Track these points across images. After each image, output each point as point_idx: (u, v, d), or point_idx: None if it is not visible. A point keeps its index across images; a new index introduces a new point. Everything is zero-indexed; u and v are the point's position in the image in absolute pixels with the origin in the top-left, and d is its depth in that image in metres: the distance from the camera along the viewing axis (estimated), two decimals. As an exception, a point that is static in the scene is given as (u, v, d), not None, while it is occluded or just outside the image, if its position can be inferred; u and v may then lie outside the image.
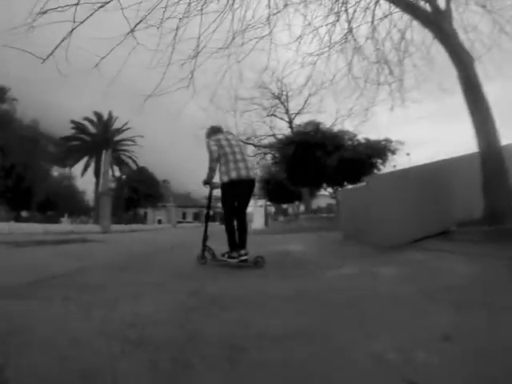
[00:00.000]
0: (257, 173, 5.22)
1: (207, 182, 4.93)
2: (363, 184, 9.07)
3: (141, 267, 4.70)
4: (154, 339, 1.81)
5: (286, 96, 29.57)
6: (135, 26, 6.55)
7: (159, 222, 50.63)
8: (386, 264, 4.52)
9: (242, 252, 4.70)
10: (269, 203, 36.74)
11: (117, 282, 3.45)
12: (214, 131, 5.14)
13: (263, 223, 24.49)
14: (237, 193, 4.78)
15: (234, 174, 4.62)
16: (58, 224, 23.29)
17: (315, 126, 17.78)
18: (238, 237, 4.81)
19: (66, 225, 22.83)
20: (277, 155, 21.08)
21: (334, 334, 1.91)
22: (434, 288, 3.02)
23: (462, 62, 6.94)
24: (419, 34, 9.44)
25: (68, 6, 5.32)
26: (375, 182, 6.90)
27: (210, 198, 5.44)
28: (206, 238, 5.03)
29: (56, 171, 44.17)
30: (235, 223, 4.85)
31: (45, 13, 5.22)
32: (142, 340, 1.78)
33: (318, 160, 16.42)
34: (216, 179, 4.94)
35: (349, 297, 2.80)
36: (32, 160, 29.93)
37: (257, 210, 26.14)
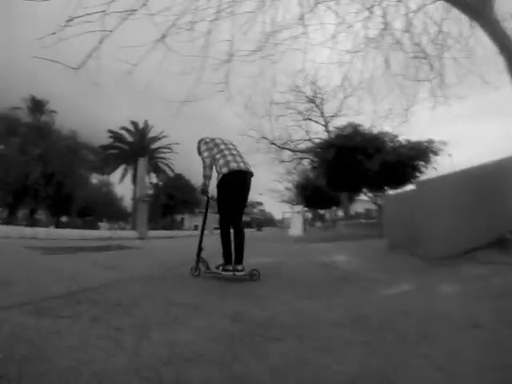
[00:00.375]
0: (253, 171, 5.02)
1: (203, 190, 4.66)
2: (410, 189, 8.56)
3: (176, 280, 4.37)
4: (193, 381, 1.51)
5: (321, 99, 29.04)
6: (167, 31, 6.40)
7: (196, 227, 50.93)
8: (444, 280, 4.12)
9: (239, 267, 4.39)
10: (306, 209, 36.24)
11: (151, 299, 3.17)
12: (204, 138, 4.93)
13: (301, 229, 23.98)
14: (236, 186, 4.49)
15: (233, 165, 4.42)
16: (96, 230, 23.68)
17: (354, 129, 17.23)
18: (234, 249, 4.47)
19: (103, 231, 23.13)
20: (315, 160, 20.60)
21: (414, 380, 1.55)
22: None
23: (510, 51, 6.42)
24: (456, 25, 8.90)
25: (95, 13, 5.20)
26: (425, 187, 6.39)
27: (207, 207, 5.13)
28: (200, 249, 4.73)
29: (95, 178, 45.44)
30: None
31: (71, 20, 5.11)
32: (178, 382, 1.49)
33: (359, 164, 15.86)
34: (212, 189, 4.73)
35: (417, 323, 2.44)
36: (71, 168, 30.81)
37: (294, 215, 25.71)
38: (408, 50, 9.64)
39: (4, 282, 3.65)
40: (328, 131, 27.58)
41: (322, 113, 29.77)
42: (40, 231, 12.20)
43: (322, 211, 50.29)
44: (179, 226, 48.28)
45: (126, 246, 10.17)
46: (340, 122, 23.24)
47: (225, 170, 4.40)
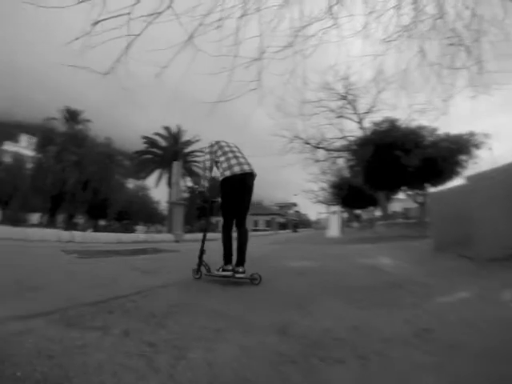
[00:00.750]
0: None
1: (202, 191, 4.85)
2: (458, 185, 8.04)
3: (214, 286, 4.11)
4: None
5: (354, 95, 27.99)
6: (194, 31, 6.15)
7: (229, 230, 50.91)
8: (503, 285, 3.73)
9: (240, 269, 4.31)
10: (341, 209, 35.45)
11: (187, 308, 2.92)
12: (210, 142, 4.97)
13: (338, 230, 23.32)
14: (238, 189, 4.49)
15: (236, 169, 4.43)
16: (132, 233, 23.66)
17: (390, 124, 16.54)
18: (236, 250, 4.42)
19: (140, 234, 23.18)
20: (351, 157, 19.95)
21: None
22: None
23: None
24: (489, 8, 8.24)
25: (120, 15, 5.02)
26: (479, 182, 5.89)
27: (209, 209, 5.26)
28: (202, 252, 4.72)
29: (131, 183, 46.16)
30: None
31: (97, 23, 4.96)
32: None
33: (398, 160, 15.20)
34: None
35: (488, 338, 2.11)
36: (106, 174, 31.74)
37: (331, 216, 25.03)
38: (443, 37, 9.06)
39: (35, 287, 3.55)
40: (362, 128, 26.68)
41: (355, 109, 28.62)
42: (77, 234, 12.29)
43: (357, 211, 49.32)
44: (214, 228, 48.14)
45: (161, 249, 10.04)
46: (375, 118, 22.39)
47: (227, 173, 4.43)
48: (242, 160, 4.55)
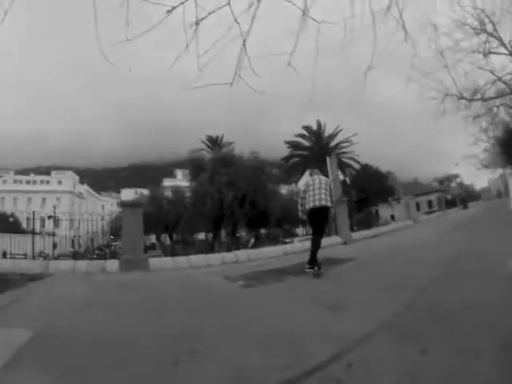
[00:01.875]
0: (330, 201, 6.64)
1: (299, 208, 7.18)
2: None
3: (448, 331, 2.78)
4: None
5: (492, 23, 21.71)
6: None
7: (392, 218, 46.96)
8: None
9: (309, 266, 6.47)
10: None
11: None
12: (311, 173, 7.49)
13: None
14: (312, 217, 6.83)
15: (310, 205, 6.68)
16: (296, 243, 22.44)
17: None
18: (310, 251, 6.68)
19: (304, 242, 21.91)
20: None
21: None
22: None
23: None
24: None
25: (219, 8, 4.17)
26: None
27: (312, 218, 6.92)
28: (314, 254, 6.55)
29: (284, 189, 46.68)
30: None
31: (197, 23, 4.21)
32: None
33: None
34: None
35: None
36: (259, 186, 32.98)
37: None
38: None
39: (192, 352, 2.73)
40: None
41: (500, 40, 22.06)
42: (240, 255, 12.04)
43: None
44: (374, 218, 44.96)
45: (334, 257, 8.39)
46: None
47: (306, 207, 6.82)
48: (317, 197, 6.61)
